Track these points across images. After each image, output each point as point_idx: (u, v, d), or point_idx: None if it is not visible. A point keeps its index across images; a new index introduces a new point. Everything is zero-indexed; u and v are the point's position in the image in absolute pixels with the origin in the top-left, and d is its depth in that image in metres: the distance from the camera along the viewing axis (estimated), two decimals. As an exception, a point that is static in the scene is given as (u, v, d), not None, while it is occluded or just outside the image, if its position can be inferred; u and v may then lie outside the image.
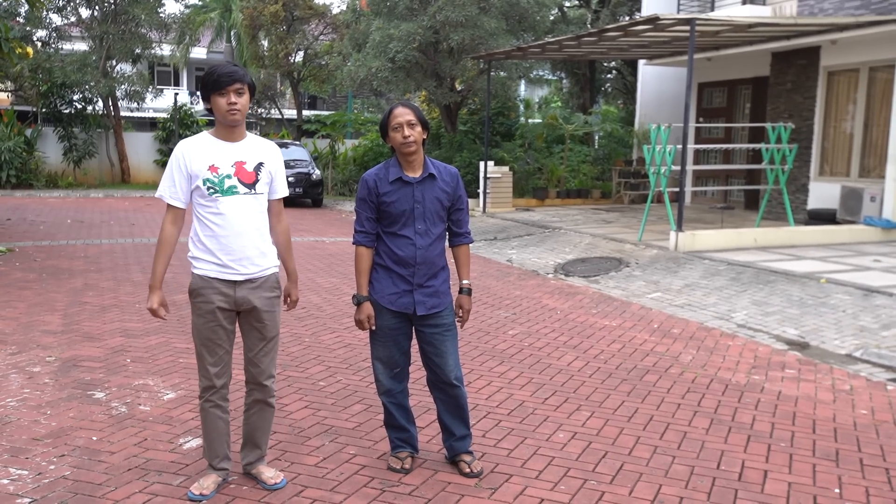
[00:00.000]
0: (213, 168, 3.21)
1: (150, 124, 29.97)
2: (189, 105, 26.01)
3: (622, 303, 7.90)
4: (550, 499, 3.40)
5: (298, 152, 19.92)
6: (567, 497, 3.42)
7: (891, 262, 9.47)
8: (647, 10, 17.31)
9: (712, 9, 15.66)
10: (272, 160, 3.36)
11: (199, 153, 3.24)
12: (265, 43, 24.58)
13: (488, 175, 15.82)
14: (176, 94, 25.29)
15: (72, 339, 5.99)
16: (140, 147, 24.64)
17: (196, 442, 3.92)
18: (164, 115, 25.69)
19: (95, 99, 23.07)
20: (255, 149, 3.33)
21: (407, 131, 3.39)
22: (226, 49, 31.24)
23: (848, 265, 9.25)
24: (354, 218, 3.53)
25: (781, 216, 12.90)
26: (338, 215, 17.45)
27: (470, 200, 16.30)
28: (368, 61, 17.24)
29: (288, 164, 17.44)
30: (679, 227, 10.39)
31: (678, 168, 10.82)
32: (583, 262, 10.14)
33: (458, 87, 18.95)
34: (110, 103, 23.37)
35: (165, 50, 27.68)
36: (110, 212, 16.70)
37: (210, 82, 3.20)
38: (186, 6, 31.98)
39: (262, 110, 26.28)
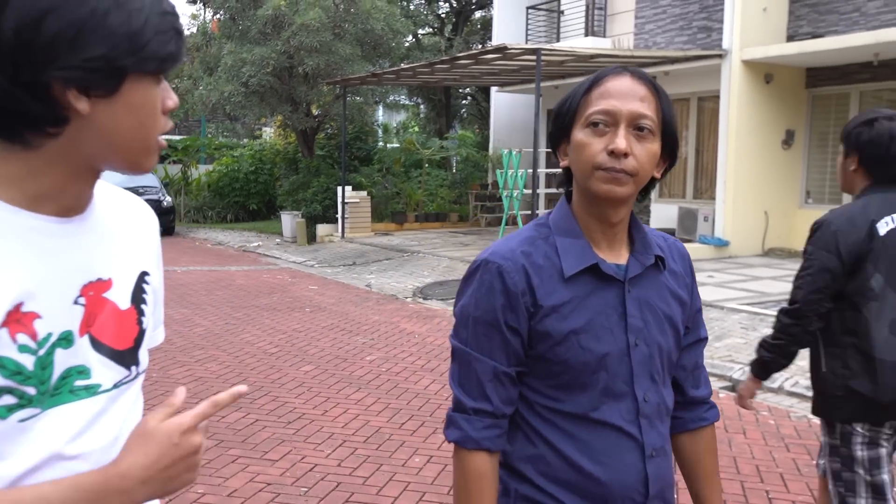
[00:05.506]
0: (22, 321, 0.86)
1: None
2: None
3: (479, 324, 8.06)
4: (405, 525, 3.40)
5: (148, 178, 19.07)
6: (422, 522, 3.43)
7: (722, 278, 10.22)
8: (497, 39, 17.94)
9: (558, 39, 16.46)
10: (155, 254, 1.11)
11: None
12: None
13: (346, 200, 15.78)
14: None
15: None
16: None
17: None
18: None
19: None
20: (117, 231, 1.02)
21: (622, 142, 1.30)
22: None
23: (685, 281, 9.88)
24: (454, 368, 1.43)
25: (626, 236, 13.65)
26: (191, 243, 16.82)
27: (328, 226, 16.20)
28: (220, 85, 16.82)
29: (136, 191, 16.63)
30: (532, 249, 10.74)
31: (530, 191, 11.23)
32: (441, 286, 10.28)
33: (315, 112, 18.84)
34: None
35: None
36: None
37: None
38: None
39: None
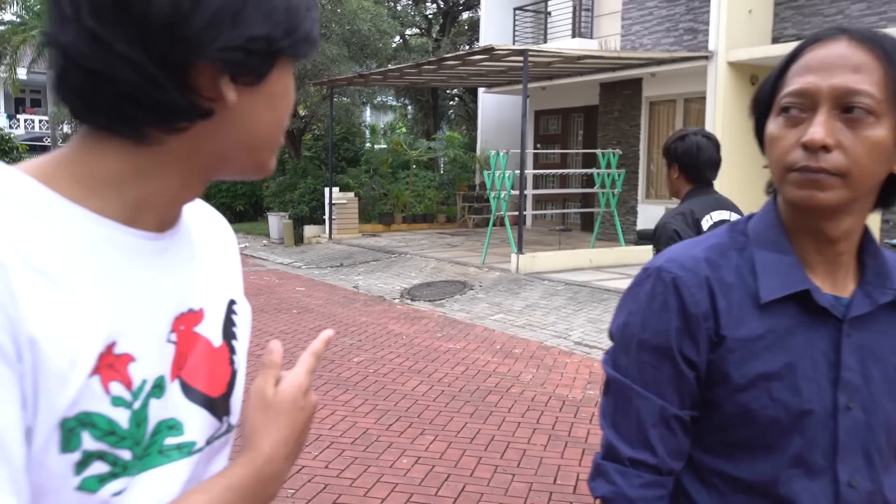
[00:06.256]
0: (115, 365, 0.68)
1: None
2: (7, 130, 24.16)
3: (466, 325, 8.06)
4: (393, 527, 3.39)
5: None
6: (409, 524, 3.42)
7: (709, 278, 10.27)
8: (484, 40, 17.95)
9: (545, 41, 16.49)
10: (239, 277, 0.91)
11: (54, 295, 0.64)
12: (94, 64, 23.29)
13: (334, 201, 15.74)
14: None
15: None
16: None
17: None
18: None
19: None
20: (204, 250, 0.84)
21: (818, 131, 0.96)
22: (49, 70, 29.30)
23: (672, 281, 9.93)
24: (607, 404, 1.12)
25: (614, 237, 13.69)
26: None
27: (316, 227, 16.15)
28: (207, 85, 16.75)
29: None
30: (520, 250, 10.77)
31: (518, 192, 11.24)
32: (428, 287, 10.27)
33: (302, 112, 18.78)
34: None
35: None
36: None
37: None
38: (2, 23, 29.81)
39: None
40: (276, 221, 16.58)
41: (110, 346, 0.67)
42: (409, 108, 26.99)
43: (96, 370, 0.65)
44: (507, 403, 5.31)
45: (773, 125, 1.03)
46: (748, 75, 12.15)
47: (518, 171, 11.11)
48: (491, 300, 9.23)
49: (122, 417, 0.67)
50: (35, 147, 28.54)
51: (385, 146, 21.54)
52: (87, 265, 0.66)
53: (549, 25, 16.82)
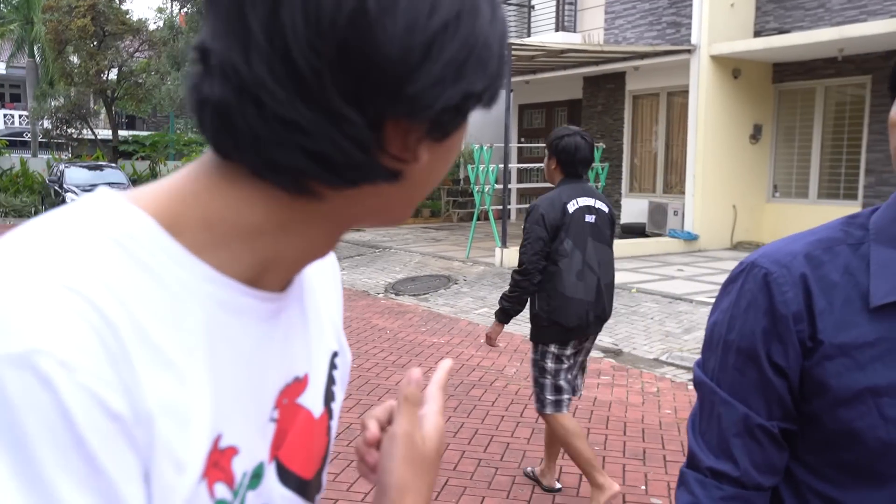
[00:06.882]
0: (220, 463, 0.58)
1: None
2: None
3: (451, 319, 8.06)
4: (376, 522, 3.39)
5: (115, 175, 18.82)
6: (392, 518, 3.42)
7: (692, 272, 10.32)
8: (468, 34, 17.90)
9: (529, 34, 16.49)
10: (340, 319, 0.83)
11: (167, 379, 0.53)
12: (75, 59, 23.09)
13: (318, 196, 15.68)
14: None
15: None
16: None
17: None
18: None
19: None
20: (312, 300, 0.74)
21: None
22: (28, 64, 29.03)
23: (655, 275, 9.97)
24: (696, 408, 1.05)
25: (597, 230, 13.73)
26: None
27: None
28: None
29: (102, 188, 16.40)
30: (504, 244, 10.77)
31: (502, 187, 11.24)
32: (413, 281, 10.26)
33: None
34: None
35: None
36: None
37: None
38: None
39: (73, 130, 24.62)
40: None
41: (216, 440, 0.56)
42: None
43: (204, 474, 0.54)
44: (491, 397, 5.31)
45: (894, 109, 0.91)
46: (730, 69, 12.21)
47: (502, 166, 11.11)
48: (475, 294, 9.23)
49: None
50: (14, 143, 28.23)
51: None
52: (199, 339, 0.55)
53: (532, 19, 16.81)
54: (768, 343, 0.93)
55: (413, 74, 0.52)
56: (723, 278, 9.64)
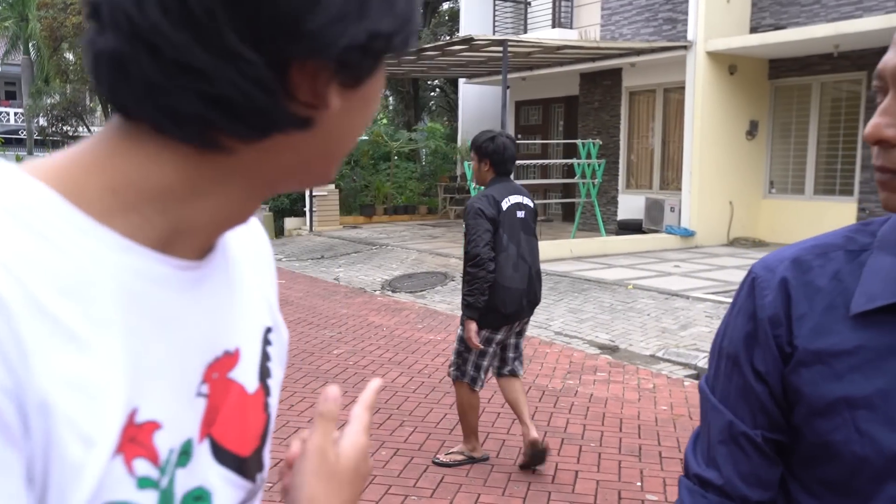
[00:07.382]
0: (138, 438, 0.55)
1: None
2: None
3: (447, 316, 8.05)
4: (371, 519, 3.38)
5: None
6: (388, 515, 3.42)
7: (688, 268, 10.33)
8: (464, 30, 17.90)
9: (525, 31, 16.47)
10: (274, 294, 0.78)
11: (67, 350, 0.51)
12: (70, 56, 23.03)
13: (314, 193, 15.66)
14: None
15: None
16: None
17: None
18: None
19: None
20: (241, 273, 0.71)
21: (881, 125, 0.80)
22: (23, 62, 28.96)
23: (652, 271, 9.97)
24: (698, 431, 1.01)
25: (595, 227, 13.73)
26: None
27: (296, 219, 16.07)
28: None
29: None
30: (500, 241, 10.76)
31: (497, 183, 11.24)
32: (409, 278, 10.25)
33: (282, 104, 18.66)
34: None
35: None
36: None
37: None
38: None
39: (69, 128, 24.58)
40: (257, 214, 16.47)
41: (132, 414, 0.53)
42: (390, 99, 26.89)
43: (119, 449, 0.52)
44: (487, 394, 5.31)
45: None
46: (727, 65, 12.21)
47: (498, 162, 11.10)
48: (472, 291, 9.22)
49: (150, 501, 0.55)
50: (10, 140, 28.15)
51: (366, 137, 21.45)
52: (107, 308, 0.52)
53: (529, 16, 16.79)
54: (750, 348, 0.91)
55: (311, 9, 0.51)
56: (719, 274, 9.68)
